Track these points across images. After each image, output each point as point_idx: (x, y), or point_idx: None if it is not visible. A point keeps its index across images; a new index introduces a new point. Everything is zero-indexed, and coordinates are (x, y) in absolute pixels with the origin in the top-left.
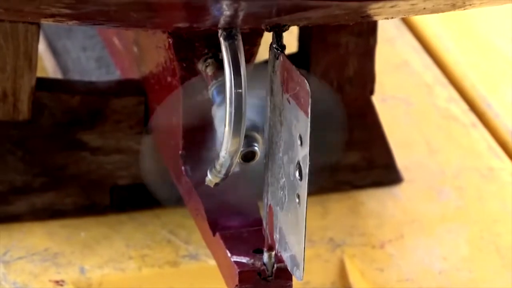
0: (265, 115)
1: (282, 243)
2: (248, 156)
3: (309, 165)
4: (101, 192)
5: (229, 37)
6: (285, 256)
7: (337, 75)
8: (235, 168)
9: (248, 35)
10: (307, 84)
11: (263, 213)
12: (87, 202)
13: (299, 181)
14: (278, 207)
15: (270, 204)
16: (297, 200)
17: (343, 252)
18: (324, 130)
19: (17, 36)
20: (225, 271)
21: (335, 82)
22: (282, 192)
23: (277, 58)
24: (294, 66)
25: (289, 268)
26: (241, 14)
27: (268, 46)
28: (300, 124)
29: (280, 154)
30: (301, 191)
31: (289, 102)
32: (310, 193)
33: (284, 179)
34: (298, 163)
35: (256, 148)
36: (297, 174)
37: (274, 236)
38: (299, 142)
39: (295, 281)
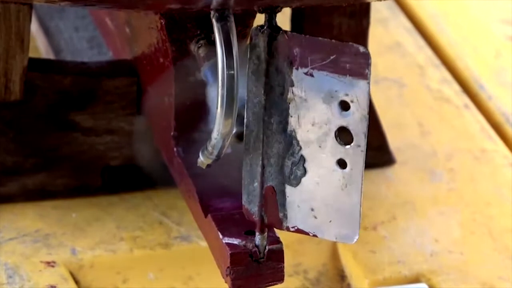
0: (246, 97)
1: (300, 217)
2: (242, 135)
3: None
4: (93, 173)
5: (222, 19)
6: (310, 228)
7: None
8: (227, 150)
9: (240, 17)
10: (360, 46)
11: (252, 196)
12: (79, 183)
13: (341, 147)
14: (286, 185)
15: (267, 186)
16: (335, 167)
17: None
18: None
19: (9, 17)
20: (217, 253)
21: None
22: (294, 168)
23: (275, 39)
24: (318, 38)
25: (330, 237)
26: None
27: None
28: (343, 90)
29: (288, 131)
30: (349, 156)
31: (311, 75)
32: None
33: (300, 154)
34: (339, 130)
35: None
36: (337, 140)
37: (280, 214)
38: (338, 109)
39: (287, 263)
